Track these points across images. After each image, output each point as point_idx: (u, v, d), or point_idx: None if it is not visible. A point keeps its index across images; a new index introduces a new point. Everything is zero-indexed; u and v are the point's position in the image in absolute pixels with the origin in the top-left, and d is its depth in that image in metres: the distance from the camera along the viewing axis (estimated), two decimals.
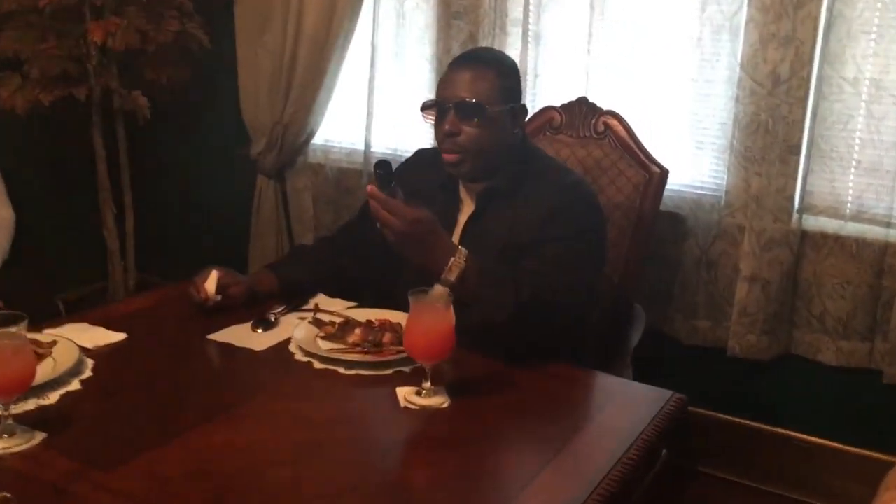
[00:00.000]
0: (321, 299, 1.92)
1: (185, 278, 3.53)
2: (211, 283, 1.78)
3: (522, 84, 2.69)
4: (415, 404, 1.44)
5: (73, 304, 3.27)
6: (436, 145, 1.83)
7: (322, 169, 3.24)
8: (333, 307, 1.86)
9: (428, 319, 1.42)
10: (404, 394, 1.47)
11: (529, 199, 1.75)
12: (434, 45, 2.88)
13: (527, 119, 2.44)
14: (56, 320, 1.75)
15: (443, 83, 1.78)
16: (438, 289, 1.50)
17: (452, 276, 1.55)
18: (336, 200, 3.23)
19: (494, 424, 1.41)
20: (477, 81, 1.73)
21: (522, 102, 1.85)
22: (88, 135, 3.11)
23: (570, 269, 1.64)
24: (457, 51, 2.76)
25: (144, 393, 1.47)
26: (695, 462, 2.70)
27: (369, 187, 1.53)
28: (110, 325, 1.71)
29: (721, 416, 2.69)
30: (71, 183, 3.40)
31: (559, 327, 1.63)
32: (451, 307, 1.44)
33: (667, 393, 1.54)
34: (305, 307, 1.87)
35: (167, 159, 3.63)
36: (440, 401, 1.45)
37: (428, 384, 1.46)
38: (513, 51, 2.73)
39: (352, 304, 1.90)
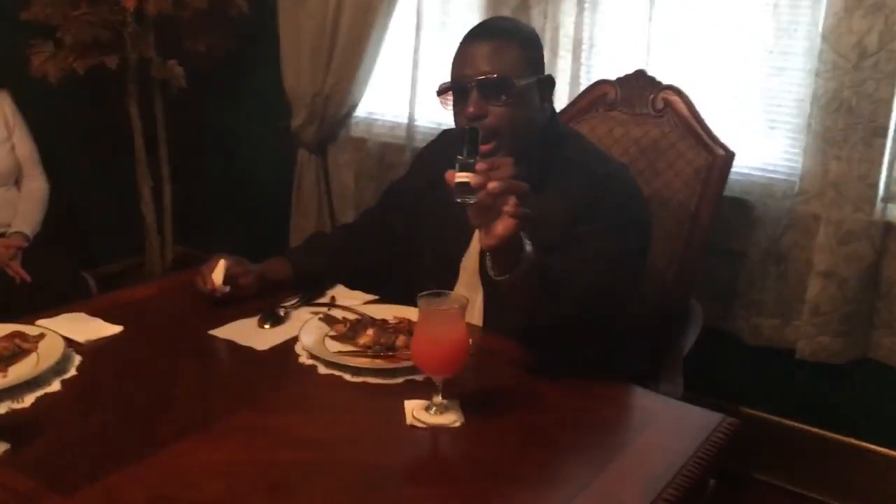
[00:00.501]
0: (339, 291, 1.76)
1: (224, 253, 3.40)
2: (218, 273, 1.64)
3: (576, 55, 2.52)
4: (423, 422, 1.27)
5: (109, 279, 3.20)
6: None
7: (364, 144, 3.12)
8: (351, 301, 1.70)
9: (439, 327, 1.25)
10: (412, 408, 1.30)
11: (559, 190, 1.54)
12: (482, 13, 2.71)
13: (579, 93, 2.28)
14: (62, 307, 1.62)
15: (458, 61, 1.56)
16: (453, 293, 1.31)
17: (532, 257, 1.29)
18: (378, 177, 3.10)
19: (512, 450, 1.23)
20: (499, 54, 1.51)
21: (549, 74, 1.62)
22: (125, 105, 3.01)
23: (609, 271, 1.43)
24: None
25: (127, 398, 1.33)
26: (753, 470, 2.49)
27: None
28: (110, 315, 1.58)
29: (786, 422, 2.50)
30: (107, 155, 3.33)
31: (599, 334, 1.43)
32: (465, 315, 1.26)
33: (717, 417, 1.33)
34: (321, 300, 1.71)
35: (207, 131, 3.54)
36: (452, 419, 1.28)
37: (439, 398, 1.29)
38: (567, 18, 2.55)
39: (372, 297, 1.74)
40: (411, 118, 2.90)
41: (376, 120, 3.08)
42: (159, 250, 3.21)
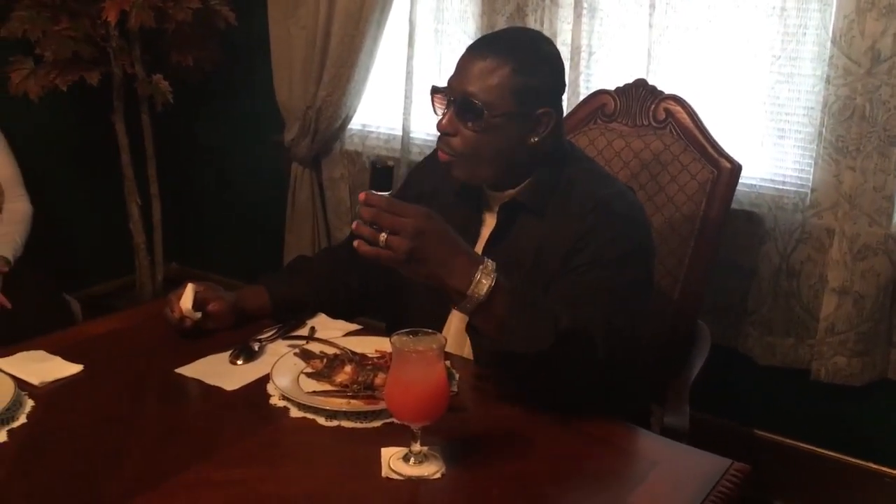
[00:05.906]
0: (320, 321, 1.65)
1: (220, 270, 3.30)
2: (187, 298, 1.53)
3: (575, 64, 2.40)
4: (400, 474, 1.16)
5: (99, 300, 3.11)
6: None
7: (359, 157, 3.04)
8: (331, 332, 1.59)
9: (415, 371, 1.13)
10: (389, 457, 1.19)
11: (560, 215, 1.44)
12: (478, 21, 2.61)
13: (576, 106, 2.15)
14: (41, 335, 1.55)
15: (456, 68, 1.46)
16: (433, 333, 1.18)
17: (482, 292, 1.20)
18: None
19: None
20: (487, 76, 1.40)
21: (557, 105, 1.47)
22: (111, 121, 2.92)
23: (611, 302, 1.32)
24: (502, 27, 2.46)
25: (77, 451, 1.21)
26: (769, 496, 2.36)
27: (363, 195, 1.20)
28: (72, 352, 1.47)
29: (802, 445, 2.38)
30: (94, 172, 3.24)
31: (600, 367, 1.31)
32: (443, 356, 1.15)
33: (724, 463, 1.21)
34: (300, 331, 1.60)
35: (199, 146, 3.47)
36: (432, 470, 1.17)
37: (417, 446, 1.18)
38: (564, 25, 2.44)
39: (354, 327, 1.63)
40: (406, 130, 2.81)
41: (371, 132, 3.00)
42: (149, 269, 3.11)
